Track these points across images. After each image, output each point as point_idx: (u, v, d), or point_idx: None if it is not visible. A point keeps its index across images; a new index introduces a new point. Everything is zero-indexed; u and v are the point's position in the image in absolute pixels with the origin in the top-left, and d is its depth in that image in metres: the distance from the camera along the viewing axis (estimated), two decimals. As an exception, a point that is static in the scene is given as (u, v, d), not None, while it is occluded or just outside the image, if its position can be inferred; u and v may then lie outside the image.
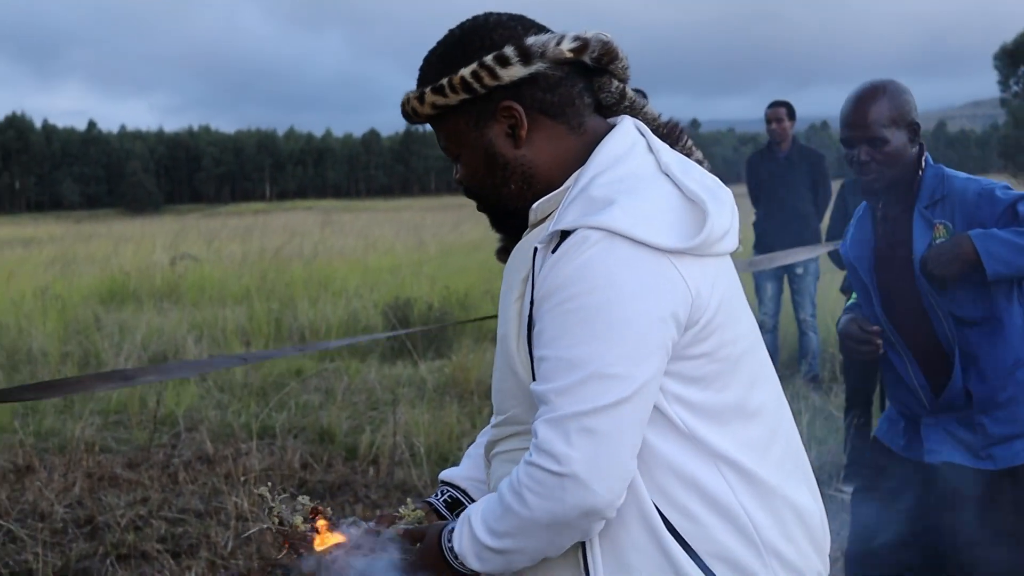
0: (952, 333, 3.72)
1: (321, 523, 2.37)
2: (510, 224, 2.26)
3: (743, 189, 10.93)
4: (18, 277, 19.26)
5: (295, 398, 9.78)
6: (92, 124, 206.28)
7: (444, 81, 2.11)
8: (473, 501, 2.52)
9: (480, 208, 2.29)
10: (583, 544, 2.06)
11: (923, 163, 3.78)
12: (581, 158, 2.13)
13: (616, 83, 2.22)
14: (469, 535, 2.08)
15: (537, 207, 2.13)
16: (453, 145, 2.21)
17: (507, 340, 2.15)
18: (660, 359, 1.97)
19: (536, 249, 2.04)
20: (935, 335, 3.77)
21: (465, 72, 2.09)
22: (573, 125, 2.15)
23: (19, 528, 6.49)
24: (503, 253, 2.32)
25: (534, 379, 2.04)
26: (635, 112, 2.26)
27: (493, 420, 2.31)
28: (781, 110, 10.37)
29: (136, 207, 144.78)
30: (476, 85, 2.09)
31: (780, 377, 7.58)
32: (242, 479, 7.17)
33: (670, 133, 2.28)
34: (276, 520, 2.38)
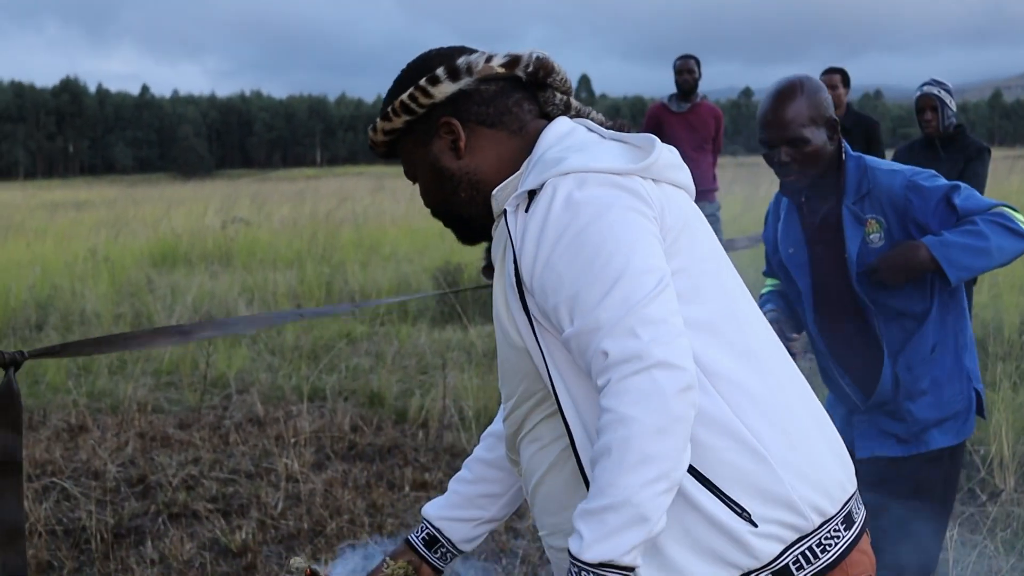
0: (882, 329, 3.70)
1: None
2: (469, 231, 2.36)
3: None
4: (71, 240, 19.47)
5: (345, 361, 9.83)
6: (145, 88, 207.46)
7: (390, 108, 2.28)
8: (451, 542, 2.61)
9: (445, 224, 2.39)
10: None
11: (843, 156, 3.73)
12: (524, 154, 2.24)
13: (559, 95, 2.34)
14: (584, 526, 1.92)
15: (497, 193, 2.21)
16: (409, 167, 2.36)
17: (500, 317, 2.20)
18: (663, 254, 2.05)
19: (504, 212, 2.13)
20: (867, 332, 3.77)
21: (404, 96, 2.26)
22: (513, 129, 2.27)
23: (73, 486, 6.57)
24: (488, 271, 2.38)
25: (534, 331, 2.09)
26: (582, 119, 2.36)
27: (502, 414, 2.38)
28: (836, 76, 10.26)
29: (188, 171, 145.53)
30: (413, 105, 2.25)
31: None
32: (292, 441, 7.22)
33: (619, 131, 2.32)
34: None
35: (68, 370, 9.29)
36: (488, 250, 2.36)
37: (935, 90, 7.06)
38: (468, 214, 2.30)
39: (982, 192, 6.96)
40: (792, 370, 2.26)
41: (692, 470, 2.01)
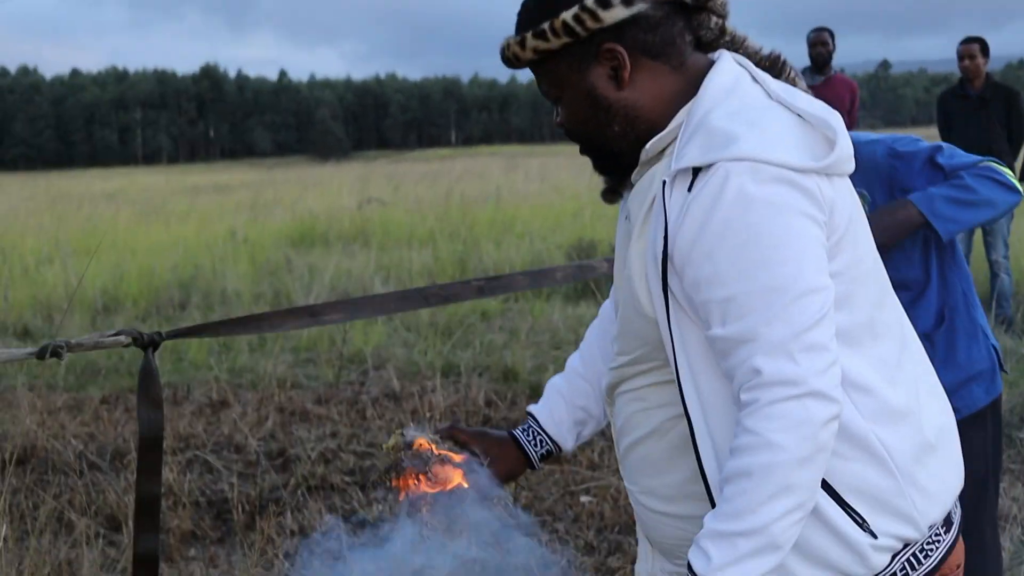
0: None
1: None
2: (613, 165, 2.24)
3: (935, 131, 10.66)
4: (212, 222, 19.89)
5: (480, 337, 9.91)
6: (283, 73, 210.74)
7: (545, 26, 2.09)
8: (559, 448, 2.58)
9: (582, 151, 2.26)
10: (709, 491, 2.02)
11: None
12: (684, 96, 2.11)
13: (715, 19, 2.18)
14: (713, 547, 1.90)
15: (650, 147, 2.11)
16: (554, 88, 2.19)
17: (632, 281, 2.13)
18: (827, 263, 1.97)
19: (664, 183, 2.01)
20: None
21: (567, 16, 2.07)
22: (674, 64, 2.13)
23: (215, 459, 6.72)
24: (610, 194, 2.32)
25: (668, 313, 2.03)
26: (736, 47, 2.22)
27: (615, 361, 2.30)
28: (974, 46, 10.07)
29: (325, 154, 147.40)
30: (578, 29, 2.07)
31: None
32: (428, 415, 7.30)
33: (772, 65, 2.24)
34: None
35: (210, 348, 9.50)
36: (612, 178, 2.29)
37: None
38: (617, 148, 2.18)
39: None
40: (924, 368, 2.22)
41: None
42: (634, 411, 2.25)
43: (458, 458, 2.50)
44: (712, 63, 2.15)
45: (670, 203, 1.99)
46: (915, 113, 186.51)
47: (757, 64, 2.20)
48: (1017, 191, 3.49)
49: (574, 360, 2.62)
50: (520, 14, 2.18)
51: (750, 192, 1.90)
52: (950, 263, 3.65)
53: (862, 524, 1.99)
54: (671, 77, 2.12)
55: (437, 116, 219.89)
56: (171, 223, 20.17)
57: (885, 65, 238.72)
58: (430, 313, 10.53)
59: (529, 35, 2.12)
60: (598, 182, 2.33)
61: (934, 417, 2.17)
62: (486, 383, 8.37)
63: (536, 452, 2.56)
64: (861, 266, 2.07)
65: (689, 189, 1.96)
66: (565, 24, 2.07)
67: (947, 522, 2.15)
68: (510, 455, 2.56)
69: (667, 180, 2.00)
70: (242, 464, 6.68)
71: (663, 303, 2.03)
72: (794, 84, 2.21)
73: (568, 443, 2.57)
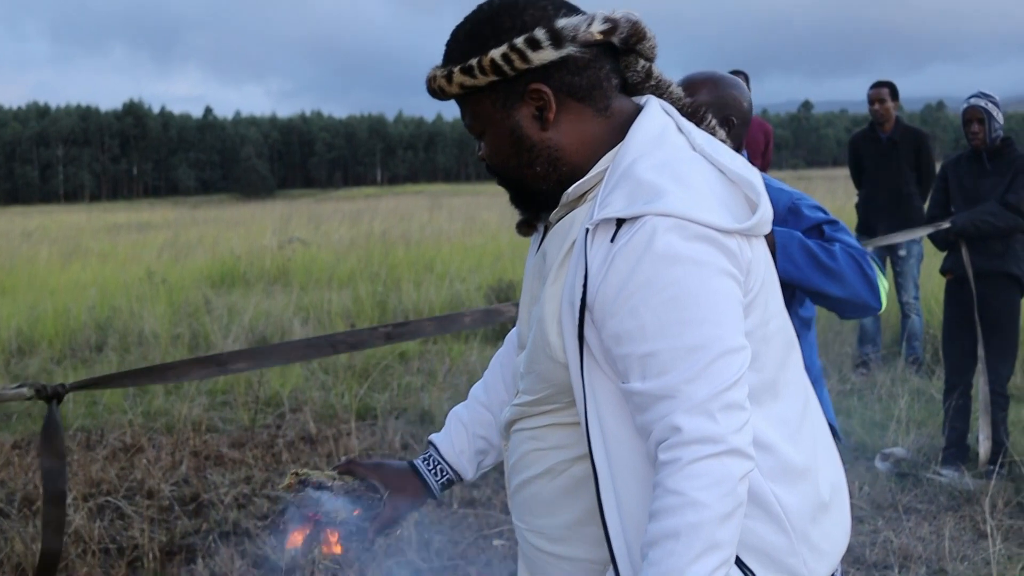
0: None
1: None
2: (532, 202, 2.24)
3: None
4: (132, 261, 19.72)
5: (398, 379, 9.90)
6: (208, 110, 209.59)
7: (474, 62, 2.09)
8: (457, 473, 2.56)
9: (503, 185, 2.26)
10: (610, 544, 2.04)
11: None
12: (609, 140, 2.13)
13: (642, 62, 2.20)
14: None
15: (572, 191, 2.12)
16: (478, 124, 2.18)
17: (544, 323, 2.13)
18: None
19: (587, 231, 2.01)
20: None
21: (495, 54, 2.07)
22: (600, 107, 2.13)
23: (127, 505, 6.66)
24: (525, 227, 2.32)
25: (582, 363, 2.04)
26: (661, 91, 2.24)
27: (518, 399, 2.30)
28: (884, 90, 10.27)
29: (250, 192, 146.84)
30: (506, 68, 2.07)
31: (883, 359, 7.57)
32: (343, 459, 7.27)
33: (694, 113, 2.26)
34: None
35: (124, 392, 9.42)
36: (529, 214, 2.29)
37: (982, 103, 7.03)
38: (537, 188, 2.18)
39: (1030, 205, 6.92)
40: (821, 429, 2.26)
41: None
42: (529, 450, 2.26)
43: (355, 493, 2.52)
44: (638, 108, 2.17)
45: (592, 252, 1.99)
46: (836, 153, 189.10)
47: (680, 111, 2.22)
48: (876, 293, 3.44)
49: (477, 389, 2.63)
50: (449, 45, 2.18)
51: (677, 249, 1.92)
52: (800, 331, 3.58)
53: None
54: (595, 120, 2.13)
55: (363, 154, 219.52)
56: (90, 262, 19.96)
57: (807, 105, 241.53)
58: (348, 355, 10.52)
59: (456, 70, 2.12)
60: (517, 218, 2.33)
61: (829, 475, 2.21)
62: (403, 426, 8.37)
63: (436, 481, 2.55)
64: (769, 326, 2.10)
65: (612, 239, 1.97)
66: (493, 62, 2.07)
67: None
68: (410, 485, 2.54)
69: (589, 228, 2.01)
70: (154, 510, 6.62)
71: (577, 353, 2.04)
72: (713, 134, 2.24)
73: (468, 473, 2.57)
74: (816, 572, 2.10)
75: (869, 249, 3.53)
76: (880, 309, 3.50)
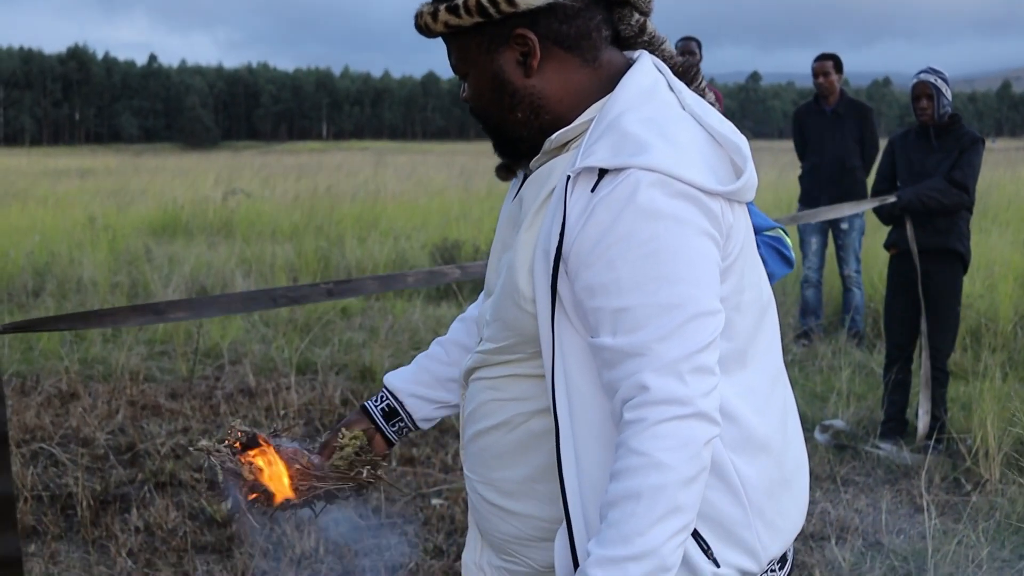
0: None
1: (258, 457, 2.45)
2: (513, 149, 2.20)
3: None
4: (72, 207, 19.50)
5: (339, 335, 9.85)
6: (153, 58, 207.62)
7: (459, 1, 2.05)
8: (411, 418, 2.54)
9: (485, 129, 2.22)
10: (565, 501, 2.02)
11: None
12: (595, 92, 2.09)
13: (637, 16, 2.16)
14: (602, 574, 1.85)
15: (555, 138, 2.08)
16: (462, 64, 2.15)
17: (514, 270, 2.09)
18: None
19: (568, 178, 1.98)
20: None
21: None
22: (588, 58, 2.09)
23: (61, 452, 6.59)
24: (504, 171, 2.27)
25: (552, 315, 2.00)
26: (654, 47, 2.20)
27: (481, 346, 2.25)
28: (828, 63, 10.28)
29: (193, 142, 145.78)
30: (492, 10, 2.03)
31: (824, 331, 7.60)
32: (282, 412, 7.24)
33: (686, 72, 2.22)
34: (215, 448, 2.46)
35: (61, 338, 9.31)
36: (510, 160, 2.24)
37: (931, 78, 7.04)
38: (518, 134, 2.14)
39: (974, 182, 6.96)
40: (790, 403, 2.23)
41: None
42: (487, 400, 2.23)
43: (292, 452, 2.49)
44: (629, 63, 2.13)
45: (571, 200, 1.96)
46: (783, 125, 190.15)
47: (671, 69, 2.18)
48: (790, 264, 3.47)
49: (436, 347, 2.59)
50: None
51: (659, 205, 1.88)
52: None
53: (707, 551, 1.99)
54: (582, 71, 2.09)
55: (309, 108, 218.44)
56: (29, 207, 19.68)
57: (755, 77, 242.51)
58: (289, 309, 10.45)
59: (443, 8, 2.07)
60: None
61: (795, 453, 2.19)
62: (343, 381, 8.33)
63: (391, 431, 2.55)
64: (743, 295, 2.06)
65: (593, 190, 1.93)
66: (479, 3, 2.03)
67: (783, 559, 2.17)
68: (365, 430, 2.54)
69: (571, 176, 1.97)
70: (89, 458, 6.56)
71: (548, 304, 2.00)
72: (703, 95, 2.21)
73: (423, 420, 2.56)
74: (769, 548, 2.07)
75: (782, 228, 3.52)
76: (791, 269, 3.52)
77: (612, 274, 1.90)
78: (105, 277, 12.10)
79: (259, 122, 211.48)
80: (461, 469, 6.21)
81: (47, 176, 34.07)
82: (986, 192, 17.19)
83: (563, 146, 2.10)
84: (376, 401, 2.56)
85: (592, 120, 2.05)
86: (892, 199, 7.03)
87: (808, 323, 10.33)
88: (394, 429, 2.55)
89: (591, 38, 2.09)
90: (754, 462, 2.04)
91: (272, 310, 10.31)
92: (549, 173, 2.09)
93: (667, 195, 1.89)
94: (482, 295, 2.44)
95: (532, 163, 2.17)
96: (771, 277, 3.45)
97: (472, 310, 2.58)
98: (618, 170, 1.92)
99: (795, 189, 10.98)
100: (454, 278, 4.72)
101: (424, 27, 2.13)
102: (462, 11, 2.05)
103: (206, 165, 39.78)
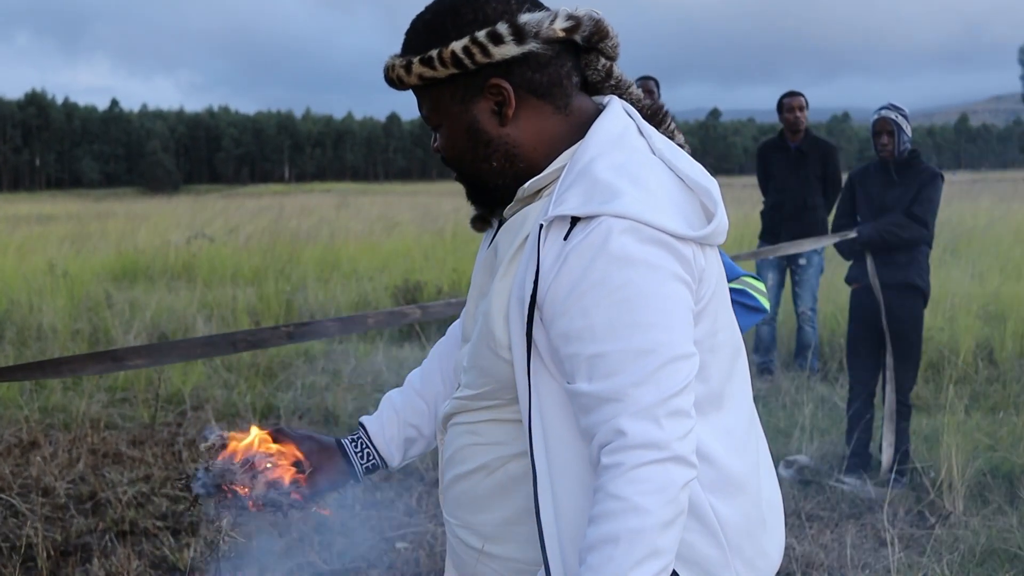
0: None
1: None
2: (487, 198, 2.22)
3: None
4: (32, 254, 19.32)
5: (302, 379, 9.80)
6: (114, 102, 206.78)
7: (434, 53, 2.06)
8: (383, 459, 2.50)
9: (459, 179, 2.24)
10: (544, 545, 2.02)
11: None
12: (567, 138, 2.11)
13: (603, 61, 2.19)
14: None
15: (528, 186, 2.10)
16: (435, 116, 2.16)
17: (490, 318, 2.10)
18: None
19: (541, 227, 1.99)
20: None
21: (456, 47, 2.04)
22: (559, 105, 2.11)
23: (21, 503, 6.51)
24: (479, 222, 2.29)
25: (528, 361, 2.01)
26: (621, 91, 2.22)
27: (459, 392, 2.26)
28: (800, 99, 10.36)
29: (155, 186, 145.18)
30: (467, 61, 2.04)
31: (786, 367, 7.60)
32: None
33: (654, 115, 2.25)
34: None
35: (21, 386, 9.21)
36: (484, 209, 2.26)
37: (892, 114, 7.10)
38: (493, 183, 2.16)
39: (933, 217, 7.01)
40: (763, 443, 2.26)
41: None
42: (465, 444, 2.24)
43: (278, 473, 2.45)
44: (599, 108, 2.15)
45: (544, 248, 1.97)
46: (743, 161, 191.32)
47: (640, 112, 2.20)
48: (761, 311, 3.43)
49: (414, 377, 2.58)
50: (408, 35, 2.14)
51: (631, 251, 1.90)
52: None
53: None
54: (555, 118, 2.11)
55: (271, 151, 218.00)
56: (-13, 254, 19.55)
57: (715, 113, 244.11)
58: (251, 353, 10.39)
59: (416, 61, 2.08)
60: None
61: (768, 493, 2.20)
62: (306, 426, 8.27)
63: (361, 465, 2.50)
64: (717, 337, 2.08)
65: (566, 238, 1.95)
66: (454, 55, 2.04)
67: None
68: (335, 465, 2.48)
69: (544, 224, 1.98)
70: (49, 508, 6.48)
71: (523, 350, 2.02)
72: (673, 136, 2.24)
73: (395, 460, 2.52)
74: None
75: (753, 276, 3.48)
76: (766, 312, 3.48)
77: (586, 320, 1.92)
78: (65, 324, 12.00)
79: (221, 165, 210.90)
80: (425, 512, 6.19)
81: (6, 222, 33.81)
82: (945, 225, 17.31)
83: (536, 193, 2.12)
84: (362, 460, 2.52)
85: (564, 167, 2.07)
86: (852, 234, 7.08)
87: (764, 360, 10.35)
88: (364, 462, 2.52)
89: (562, 85, 2.11)
90: (731, 502, 2.05)
91: (234, 355, 10.25)
92: (523, 221, 2.11)
93: (639, 241, 1.91)
94: (456, 325, 2.47)
95: (506, 211, 2.18)
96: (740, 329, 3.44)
97: (455, 327, 2.56)
98: (590, 217, 1.93)
99: (756, 225, 11.02)
100: (415, 319, 4.70)
101: (396, 80, 2.14)
102: (437, 63, 2.06)
103: (168, 209, 39.59)
